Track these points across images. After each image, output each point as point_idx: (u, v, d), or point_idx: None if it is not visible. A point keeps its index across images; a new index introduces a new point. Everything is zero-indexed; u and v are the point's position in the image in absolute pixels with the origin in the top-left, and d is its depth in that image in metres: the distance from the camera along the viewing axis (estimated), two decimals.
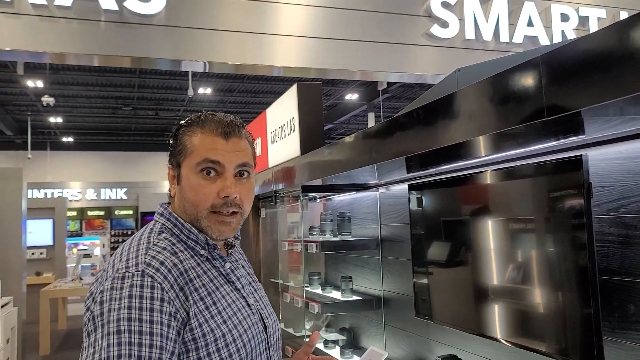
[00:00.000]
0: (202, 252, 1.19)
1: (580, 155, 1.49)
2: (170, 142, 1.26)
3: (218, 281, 1.18)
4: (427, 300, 2.33)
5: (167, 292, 1.04)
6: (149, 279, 1.03)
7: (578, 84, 1.15)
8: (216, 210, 1.17)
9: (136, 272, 1.04)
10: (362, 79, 6.11)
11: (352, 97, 12.79)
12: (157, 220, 1.23)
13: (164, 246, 1.13)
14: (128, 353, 0.95)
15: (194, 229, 1.19)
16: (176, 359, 1.03)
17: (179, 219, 1.20)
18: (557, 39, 5.06)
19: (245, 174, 1.22)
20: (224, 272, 1.21)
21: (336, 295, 3.35)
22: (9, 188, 6.18)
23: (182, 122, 1.25)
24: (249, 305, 1.21)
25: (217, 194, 1.16)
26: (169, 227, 1.20)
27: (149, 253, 1.09)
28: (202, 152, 1.17)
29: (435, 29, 4.81)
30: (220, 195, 1.16)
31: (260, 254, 4.51)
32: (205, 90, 12.23)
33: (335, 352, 3.32)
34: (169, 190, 1.27)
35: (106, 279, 1.07)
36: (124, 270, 1.05)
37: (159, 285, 1.03)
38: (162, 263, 1.07)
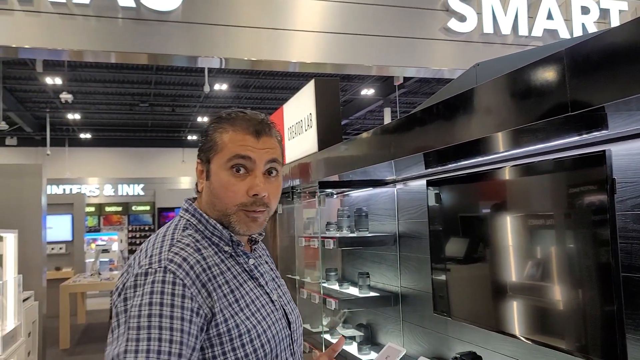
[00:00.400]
0: (226, 248, 1.20)
1: (604, 151, 1.46)
2: (200, 137, 1.26)
3: (242, 277, 1.18)
4: (445, 296, 2.32)
5: (188, 289, 1.05)
6: (171, 275, 1.04)
7: (603, 78, 1.13)
8: (245, 208, 1.18)
9: (158, 269, 1.05)
10: (378, 74, 6.09)
11: (367, 92, 12.74)
12: (182, 216, 1.24)
13: (188, 243, 1.13)
14: (147, 348, 0.96)
15: (218, 225, 1.19)
16: (197, 354, 1.04)
17: (204, 215, 1.21)
18: (578, 32, 4.98)
19: (274, 172, 1.22)
20: (247, 268, 1.21)
21: (353, 291, 3.34)
22: (29, 184, 6.26)
23: (213, 118, 1.25)
24: (272, 301, 1.22)
25: (247, 192, 1.17)
26: (194, 223, 1.20)
27: (172, 250, 1.10)
28: (232, 148, 1.17)
29: (453, 23, 4.76)
30: (250, 194, 1.17)
31: (277, 249, 4.53)
32: (221, 87, 12.27)
33: (352, 348, 3.32)
34: (196, 185, 1.27)
35: (131, 275, 1.08)
36: (147, 267, 1.06)
37: (181, 282, 1.04)
38: (184, 259, 1.08)
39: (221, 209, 1.19)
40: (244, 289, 1.16)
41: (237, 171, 1.17)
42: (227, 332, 1.08)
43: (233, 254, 1.20)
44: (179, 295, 1.03)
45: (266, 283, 1.24)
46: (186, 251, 1.11)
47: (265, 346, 1.13)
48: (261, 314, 1.15)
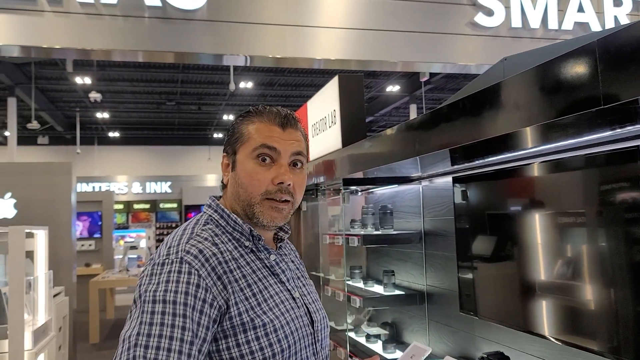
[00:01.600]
0: (247, 243, 1.20)
1: (637, 146, 1.42)
2: (226, 132, 1.29)
3: (262, 272, 1.18)
4: (471, 295, 2.28)
5: (204, 279, 1.06)
6: (187, 265, 1.06)
7: (637, 70, 1.09)
8: (270, 197, 1.19)
9: (175, 259, 1.08)
10: (404, 70, 6.03)
11: (393, 88, 12.67)
12: (205, 212, 1.25)
13: (206, 237, 1.15)
14: (159, 333, 0.98)
15: (239, 220, 1.20)
16: (207, 345, 1.05)
17: (226, 210, 1.22)
18: (610, 25, 4.85)
19: (299, 164, 1.24)
20: (268, 264, 1.21)
21: (378, 289, 3.32)
22: (59, 182, 6.39)
23: (240, 113, 1.28)
24: (293, 299, 1.21)
25: (272, 181, 1.18)
26: (216, 218, 1.22)
27: (189, 242, 1.12)
28: (258, 138, 1.20)
29: (480, 18, 4.69)
30: (275, 182, 1.18)
31: (302, 247, 4.52)
32: (246, 84, 12.35)
33: (377, 346, 3.30)
34: (222, 181, 1.29)
35: (150, 264, 1.12)
36: (164, 257, 1.09)
37: (196, 272, 1.06)
38: (200, 251, 1.10)
39: (246, 198, 1.20)
40: (263, 283, 1.16)
41: (262, 160, 1.19)
42: (241, 324, 1.08)
43: (254, 249, 1.21)
44: (193, 284, 1.04)
45: (287, 280, 1.23)
46: (203, 244, 1.12)
47: (282, 341, 1.12)
48: (279, 310, 1.15)
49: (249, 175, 1.19)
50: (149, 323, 0.99)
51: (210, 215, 1.23)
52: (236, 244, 1.18)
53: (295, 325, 1.16)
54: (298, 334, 1.16)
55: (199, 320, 1.03)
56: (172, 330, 0.99)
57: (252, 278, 1.15)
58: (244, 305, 1.10)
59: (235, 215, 1.21)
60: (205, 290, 1.05)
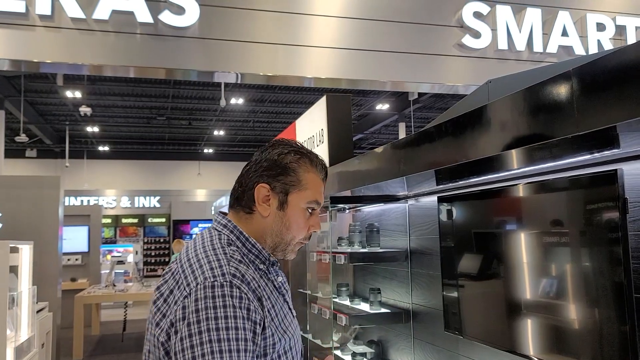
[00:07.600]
0: (261, 266, 1.26)
1: (616, 170, 1.45)
2: (274, 163, 1.29)
3: (275, 294, 1.25)
4: (457, 314, 2.30)
5: (252, 302, 1.12)
6: (237, 290, 1.11)
7: (612, 98, 1.13)
8: (302, 241, 1.33)
9: (224, 282, 1.11)
10: (393, 89, 6.10)
11: (382, 107, 12.77)
12: (220, 231, 1.28)
13: (239, 259, 1.20)
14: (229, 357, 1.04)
15: (257, 244, 1.27)
16: None
17: (244, 232, 1.27)
18: (593, 49, 4.95)
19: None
20: (276, 285, 1.29)
21: (364, 307, 3.32)
22: (47, 196, 6.35)
23: (291, 148, 1.32)
24: (294, 317, 1.31)
25: (308, 229, 1.32)
26: (233, 239, 1.26)
27: (230, 264, 1.17)
28: (315, 193, 1.31)
29: (467, 40, 4.77)
30: (310, 231, 1.33)
31: (289, 264, 4.52)
32: (237, 101, 12.38)
33: None
34: (254, 208, 1.28)
35: (188, 285, 1.13)
36: (212, 280, 1.12)
37: (246, 296, 1.12)
38: (243, 275, 1.15)
39: (285, 238, 1.29)
40: (279, 305, 1.24)
41: (309, 211, 1.31)
42: (272, 345, 1.16)
43: (265, 271, 1.27)
44: (245, 308, 1.10)
45: (290, 300, 1.33)
46: (241, 268, 1.18)
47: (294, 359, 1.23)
48: (291, 330, 1.24)
49: (297, 223, 1.29)
50: (220, 351, 1.04)
51: (228, 236, 1.26)
52: (253, 267, 1.23)
53: (300, 344, 1.28)
54: (300, 353, 1.28)
55: (254, 340, 1.10)
56: (232, 356, 1.04)
57: (272, 300, 1.21)
58: (274, 325, 1.17)
59: (253, 239, 1.26)
60: (254, 312, 1.12)
